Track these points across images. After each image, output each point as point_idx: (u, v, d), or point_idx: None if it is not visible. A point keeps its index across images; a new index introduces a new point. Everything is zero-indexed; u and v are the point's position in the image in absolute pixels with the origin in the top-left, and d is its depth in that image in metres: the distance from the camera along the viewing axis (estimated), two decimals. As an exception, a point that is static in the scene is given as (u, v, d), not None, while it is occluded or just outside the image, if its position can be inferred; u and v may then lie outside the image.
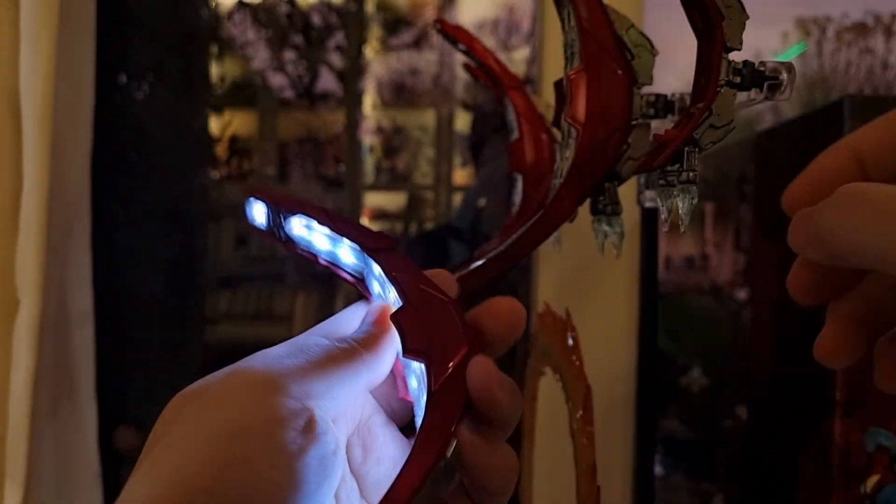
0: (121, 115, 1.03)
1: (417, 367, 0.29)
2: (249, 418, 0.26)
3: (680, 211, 0.33)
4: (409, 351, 0.29)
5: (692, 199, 0.33)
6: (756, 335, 0.87)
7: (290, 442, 0.26)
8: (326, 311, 1.22)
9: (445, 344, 0.28)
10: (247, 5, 1.12)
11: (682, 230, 0.33)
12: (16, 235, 0.84)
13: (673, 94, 0.35)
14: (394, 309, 0.30)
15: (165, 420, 0.28)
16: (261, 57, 1.14)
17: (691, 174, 0.32)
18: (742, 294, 1.14)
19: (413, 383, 0.30)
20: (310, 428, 0.27)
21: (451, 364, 0.28)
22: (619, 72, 0.34)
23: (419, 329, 0.29)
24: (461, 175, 1.65)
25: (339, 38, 1.20)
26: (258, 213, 0.33)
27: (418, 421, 0.29)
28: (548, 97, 0.78)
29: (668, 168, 0.32)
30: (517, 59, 1.35)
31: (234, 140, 1.17)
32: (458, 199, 1.50)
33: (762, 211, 0.85)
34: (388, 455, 0.31)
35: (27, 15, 0.82)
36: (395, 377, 0.32)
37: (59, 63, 0.83)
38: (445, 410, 0.27)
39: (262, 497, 0.25)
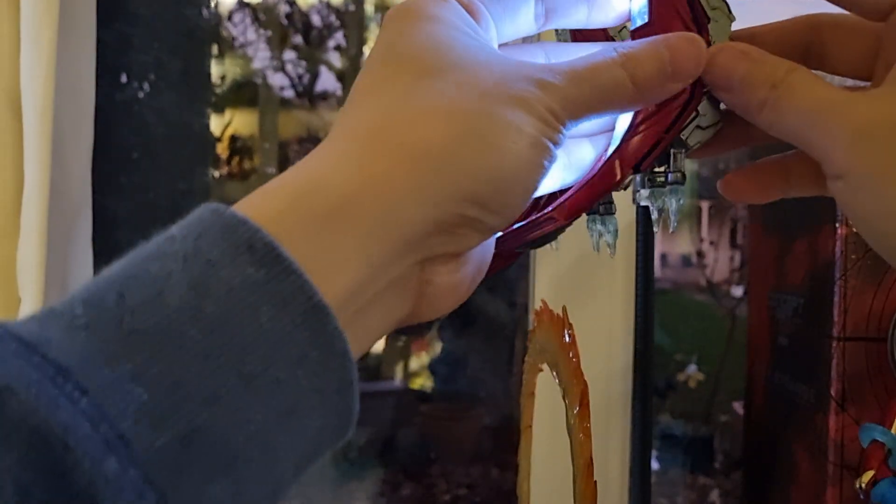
0: (122, 115, 1.04)
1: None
2: (516, 159, 0.24)
3: (670, 212, 0.33)
4: None
5: (679, 199, 0.33)
6: (752, 331, 0.88)
7: (536, 181, 0.26)
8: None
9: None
10: (247, 5, 1.12)
11: (672, 230, 0.33)
12: (17, 234, 0.85)
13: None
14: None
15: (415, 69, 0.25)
16: (261, 57, 1.14)
17: (679, 175, 0.33)
18: (738, 291, 1.15)
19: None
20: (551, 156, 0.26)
21: None
22: None
23: None
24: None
25: (338, 38, 1.20)
26: None
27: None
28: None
29: (656, 170, 0.33)
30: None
31: (234, 139, 1.18)
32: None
33: (758, 208, 0.86)
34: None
35: (27, 14, 0.82)
36: None
37: (60, 62, 0.84)
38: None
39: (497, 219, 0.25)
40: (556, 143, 0.26)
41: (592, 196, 0.30)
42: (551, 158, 0.26)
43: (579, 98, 0.26)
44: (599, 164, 0.31)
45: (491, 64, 0.25)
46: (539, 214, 0.31)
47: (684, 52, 0.28)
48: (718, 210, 1.18)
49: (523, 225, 0.31)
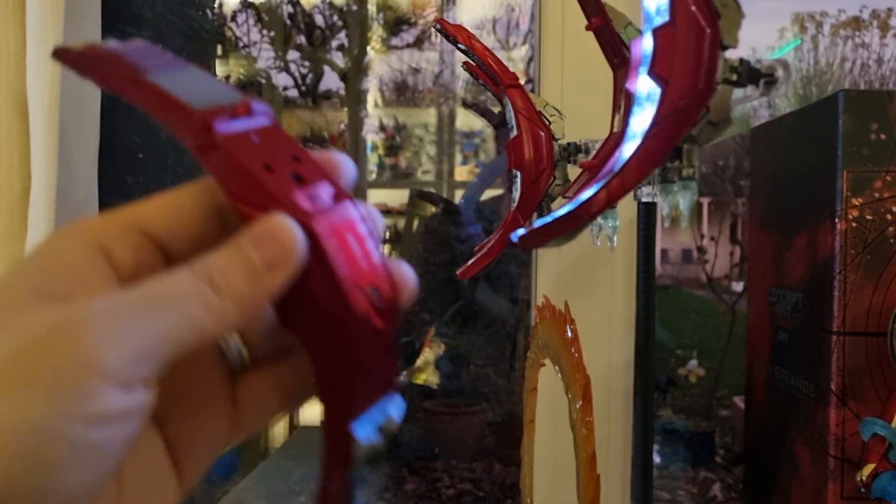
0: (127, 115, 1.04)
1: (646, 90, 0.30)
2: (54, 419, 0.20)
3: (681, 207, 0.33)
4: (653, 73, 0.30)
5: (692, 195, 0.33)
6: (752, 327, 0.88)
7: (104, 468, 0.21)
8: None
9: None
10: (250, 6, 1.12)
11: (684, 225, 0.33)
12: (25, 234, 0.85)
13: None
14: None
15: None
16: (265, 57, 1.15)
17: (691, 170, 0.33)
18: (738, 286, 1.15)
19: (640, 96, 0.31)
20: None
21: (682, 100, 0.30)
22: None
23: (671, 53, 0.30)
24: (462, 172, 1.66)
25: (341, 38, 1.21)
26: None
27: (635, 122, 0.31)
28: (546, 95, 0.79)
29: (668, 165, 0.33)
30: (516, 58, 1.37)
31: (238, 138, 1.18)
32: (458, 194, 1.51)
33: (758, 204, 0.86)
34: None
35: (33, 15, 0.83)
36: None
37: (66, 64, 0.84)
38: None
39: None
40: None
41: (616, 197, 0.31)
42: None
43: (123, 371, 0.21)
44: (613, 169, 0.31)
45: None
46: (565, 213, 0.31)
47: (277, 243, 0.22)
48: (718, 206, 1.19)
49: (547, 223, 0.32)
